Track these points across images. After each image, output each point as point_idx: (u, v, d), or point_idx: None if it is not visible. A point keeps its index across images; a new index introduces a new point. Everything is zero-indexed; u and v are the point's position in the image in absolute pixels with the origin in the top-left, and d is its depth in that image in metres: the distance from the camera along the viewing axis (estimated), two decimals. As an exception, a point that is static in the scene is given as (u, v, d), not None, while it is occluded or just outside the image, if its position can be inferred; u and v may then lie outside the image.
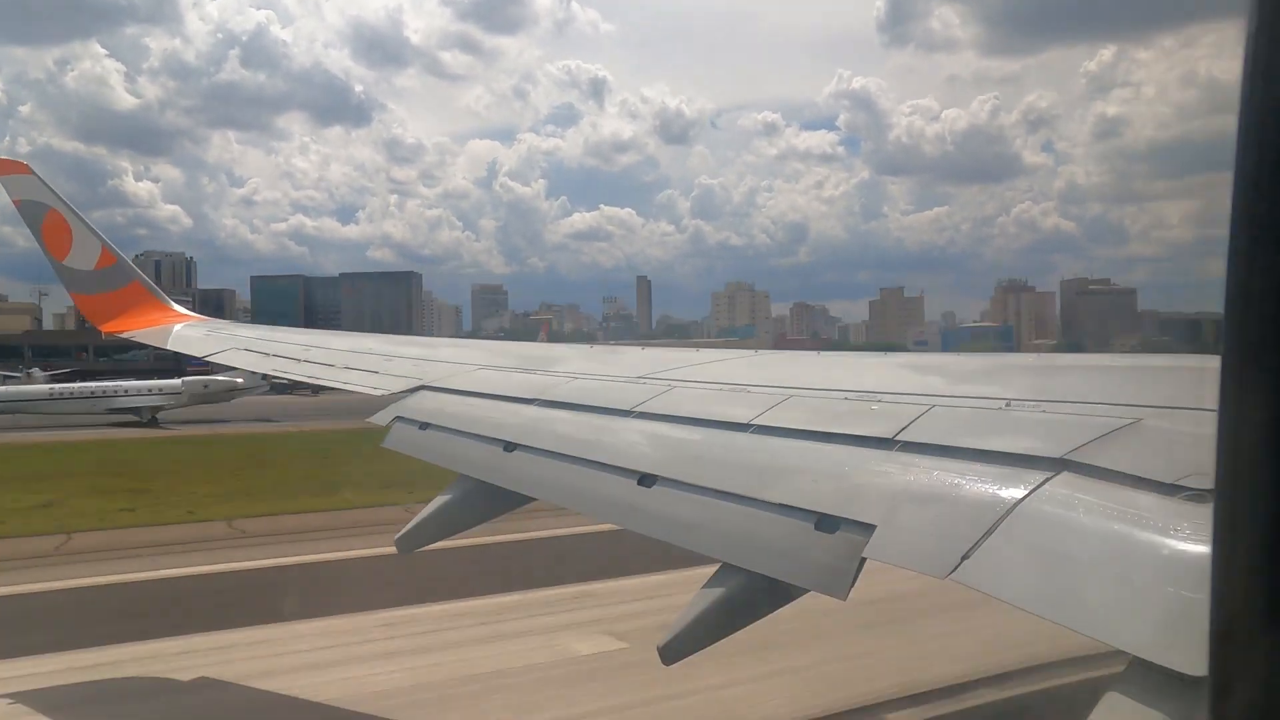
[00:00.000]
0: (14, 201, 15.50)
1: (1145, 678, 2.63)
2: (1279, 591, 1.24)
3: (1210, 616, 1.35)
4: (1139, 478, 3.28)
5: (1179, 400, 4.07)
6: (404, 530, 6.96)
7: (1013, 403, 4.61)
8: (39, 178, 15.63)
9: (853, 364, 7.50)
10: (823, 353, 7.95)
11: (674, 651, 4.39)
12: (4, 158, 16.02)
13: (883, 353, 7.36)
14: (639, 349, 9.25)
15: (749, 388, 6.17)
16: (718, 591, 4.34)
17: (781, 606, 4.36)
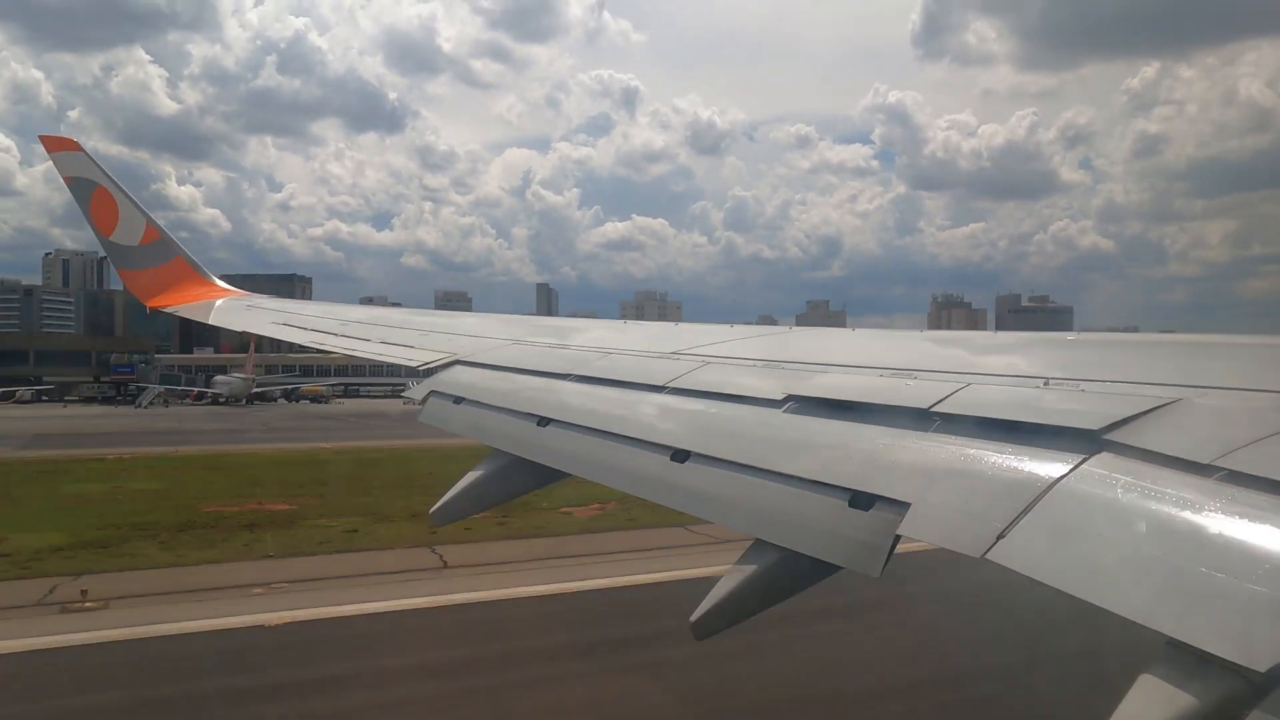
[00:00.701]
0: (64, 178, 15.77)
1: (1181, 661, 2.61)
2: None
3: None
4: (1179, 459, 3.24)
5: (1222, 380, 4.00)
6: (439, 504, 7.02)
7: (1051, 381, 4.55)
8: (88, 155, 15.88)
9: (888, 340, 7.44)
10: (857, 330, 7.89)
11: (705, 626, 4.41)
12: (56, 135, 16.29)
13: (918, 330, 7.30)
14: (673, 325, 9.25)
15: (783, 364, 6.15)
16: (750, 567, 4.35)
17: (814, 583, 4.36)
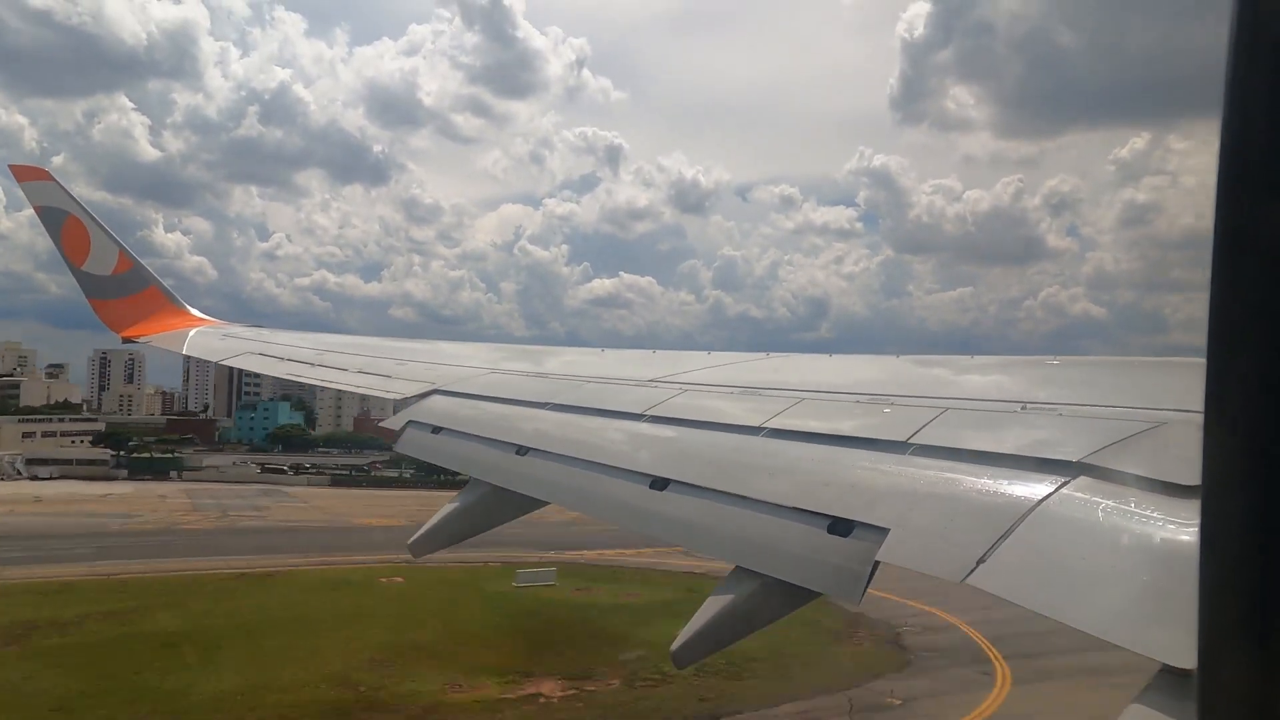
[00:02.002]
0: (35, 208, 15.63)
1: (1169, 686, 2.58)
2: (1265, 589, 1.24)
3: (1199, 614, 1.36)
4: (1159, 482, 3.24)
5: (1201, 404, 4.01)
6: (417, 535, 6.95)
7: (1029, 405, 4.56)
8: (59, 184, 15.76)
9: (865, 365, 7.45)
10: (835, 356, 7.90)
11: (686, 655, 4.36)
12: (26, 164, 16.19)
13: (896, 356, 7.31)
14: (650, 353, 9.24)
15: (761, 390, 6.14)
16: (730, 595, 4.31)
17: (794, 610, 4.33)
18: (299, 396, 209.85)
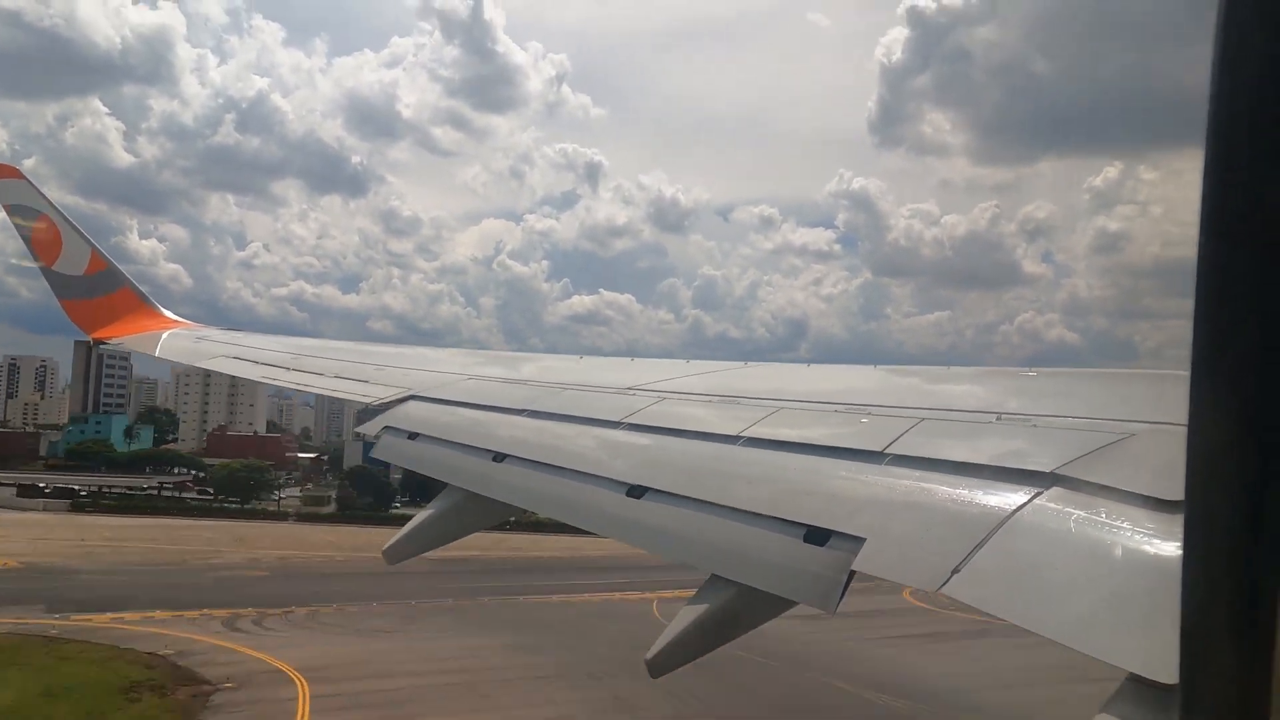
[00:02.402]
0: (3, 206, 15.43)
1: (1137, 695, 2.61)
2: (1246, 599, 1.26)
3: (1180, 623, 1.38)
4: (1132, 493, 3.28)
5: (1174, 415, 4.07)
6: (392, 542, 6.92)
7: (1003, 416, 4.60)
8: (30, 182, 15.57)
9: (842, 375, 7.49)
10: (813, 365, 7.93)
11: (661, 664, 4.36)
12: None
13: (873, 366, 7.35)
14: (628, 361, 9.24)
15: (739, 399, 6.16)
16: (706, 603, 4.32)
17: (770, 619, 4.34)
18: (150, 409, 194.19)
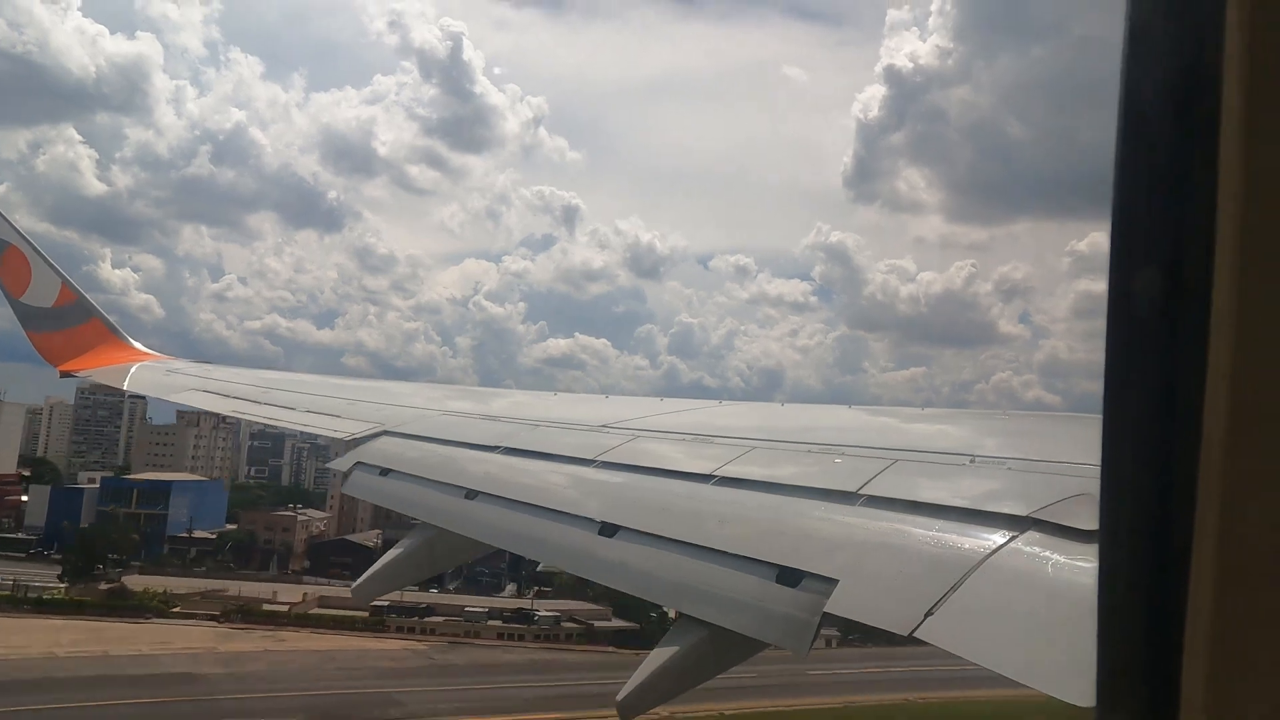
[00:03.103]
0: None
1: None
2: (1159, 631, 1.30)
3: (1097, 655, 1.44)
4: None
5: None
6: (361, 580, 6.83)
7: (978, 458, 4.61)
8: (0, 213, 15.43)
9: (817, 415, 7.49)
10: (787, 405, 7.94)
11: (633, 705, 4.30)
12: None
13: (847, 406, 7.37)
14: (603, 398, 9.22)
15: (713, 438, 6.14)
16: (677, 644, 4.27)
17: (742, 660, 4.30)
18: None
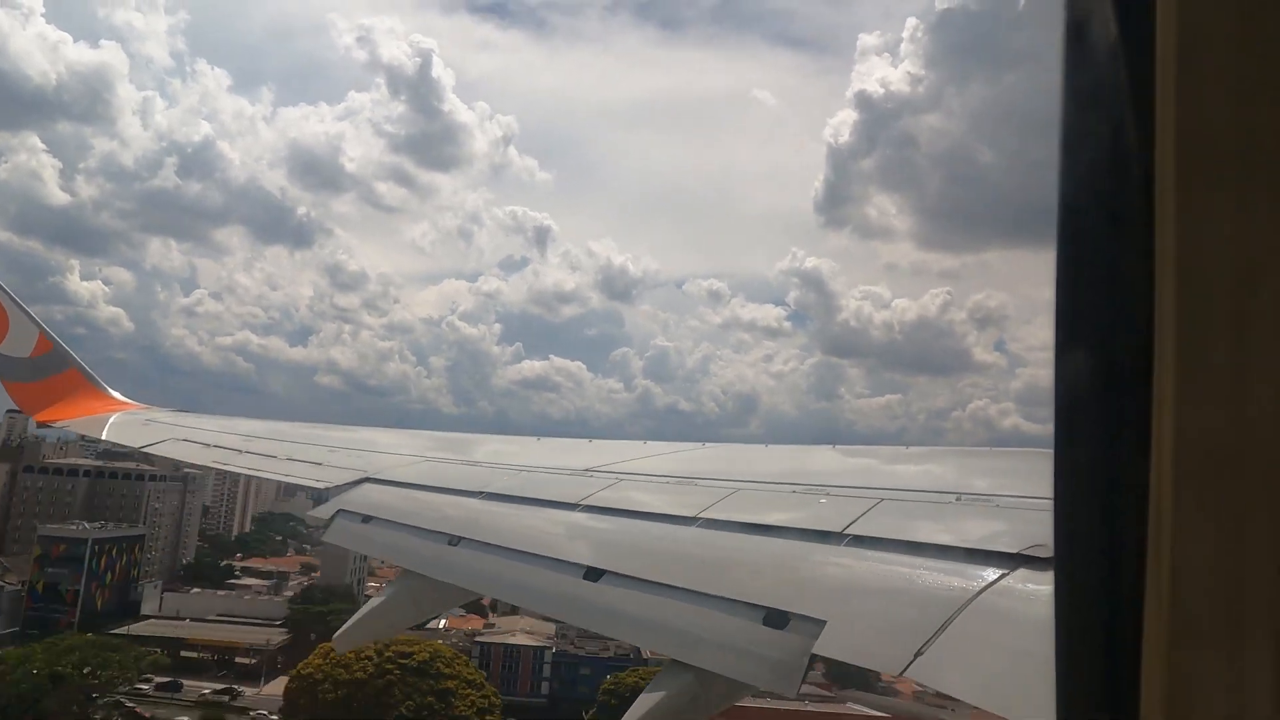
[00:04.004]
0: None
1: None
2: (1116, 662, 1.32)
3: (1056, 680, 1.45)
4: None
5: None
6: (343, 630, 6.72)
7: (964, 496, 4.59)
8: None
9: (800, 456, 7.48)
10: (770, 446, 7.92)
11: None
12: None
13: (830, 446, 7.35)
14: (586, 442, 9.18)
15: (696, 480, 6.11)
16: (665, 689, 4.21)
17: (730, 703, 4.24)
18: None
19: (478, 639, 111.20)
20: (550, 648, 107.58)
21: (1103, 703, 1.37)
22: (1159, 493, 1.21)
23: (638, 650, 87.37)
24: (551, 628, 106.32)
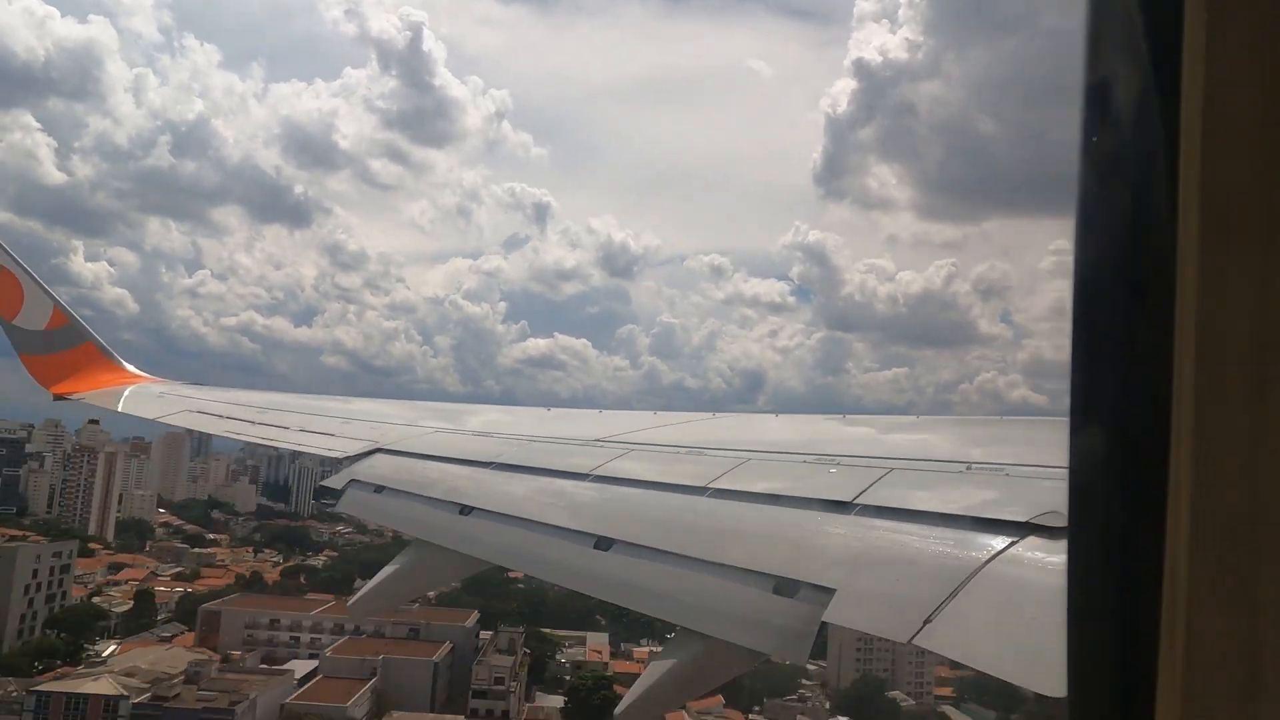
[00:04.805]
0: None
1: None
2: (1128, 621, 1.33)
3: (1068, 644, 1.46)
4: None
5: None
6: (356, 598, 6.78)
7: (974, 465, 4.59)
8: None
9: (810, 426, 7.48)
10: (780, 415, 7.92)
11: (632, 717, 4.28)
12: None
13: (841, 416, 7.34)
14: (596, 413, 9.20)
15: (707, 450, 6.12)
16: (675, 656, 4.24)
17: (740, 672, 4.27)
18: None
19: (34, 689, 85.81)
20: (129, 697, 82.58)
21: (1119, 679, 1.38)
22: (1174, 566, 1.20)
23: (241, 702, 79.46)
24: (163, 671, 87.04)
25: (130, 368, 15.93)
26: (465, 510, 6.34)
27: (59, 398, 15.17)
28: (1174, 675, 1.22)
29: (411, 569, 6.56)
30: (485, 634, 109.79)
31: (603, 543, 5.04)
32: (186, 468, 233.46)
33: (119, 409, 14.15)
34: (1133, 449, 1.30)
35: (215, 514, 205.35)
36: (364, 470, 7.94)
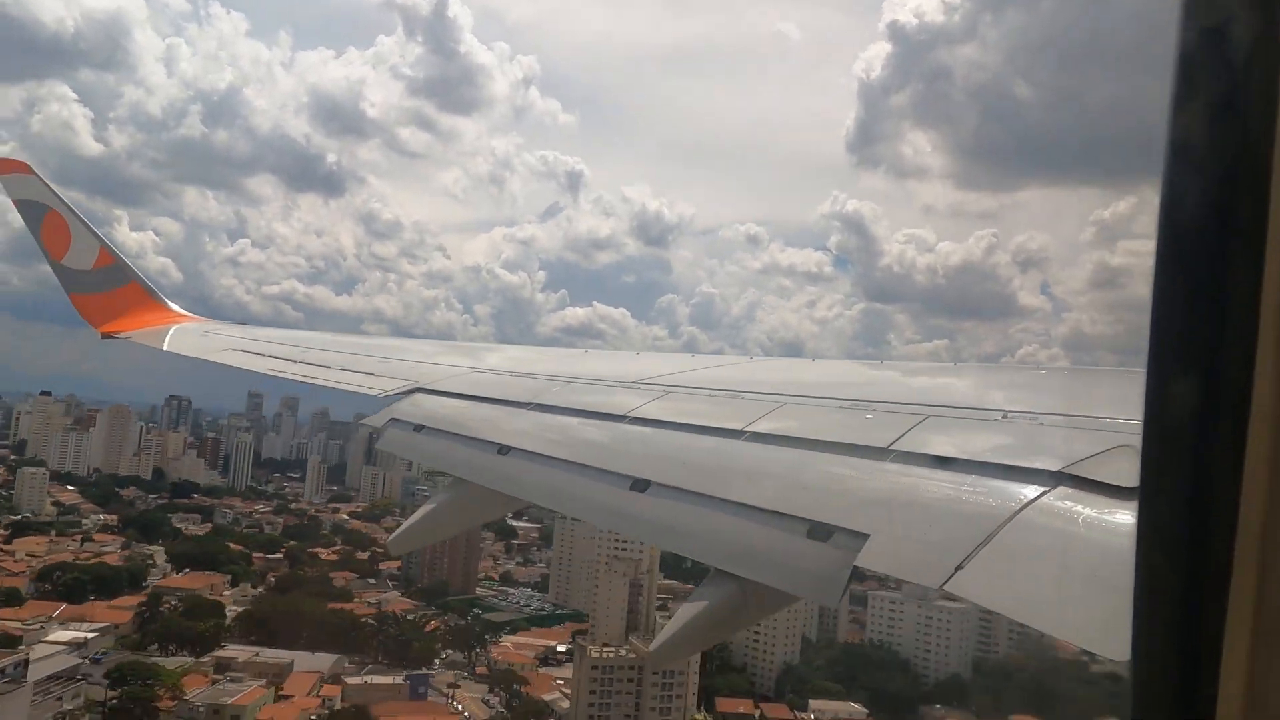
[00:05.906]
0: (14, 202, 15.51)
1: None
2: (1196, 583, 1.33)
3: (1134, 608, 1.44)
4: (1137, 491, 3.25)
5: None
6: (398, 533, 6.94)
7: (1010, 414, 4.58)
8: (39, 178, 15.64)
9: (848, 371, 7.47)
10: (818, 361, 7.92)
11: (664, 657, 4.37)
12: (4, 157, 16.03)
13: (878, 362, 7.33)
14: (634, 355, 9.23)
15: (744, 394, 6.15)
16: (707, 598, 4.32)
17: (772, 613, 4.33)
18: None
19: None
20: None
21: (1182, 648, 1.37)
22: (1249, 509, 1.20)
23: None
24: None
25: (175, 307, 16.18)
26: (504, 450, 6.43)
27: (107, 336, 15.47)
28: (1241, 643, 1.22)
29: (451, 507, 6.68)
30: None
31: (639, 484, 5.11)
32: (135, 441, 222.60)
33: (164, 347, 14.40)
34: (1212, 405, 1.30)
35: (125, 491, 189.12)
36: (403, 410, 8.06)
